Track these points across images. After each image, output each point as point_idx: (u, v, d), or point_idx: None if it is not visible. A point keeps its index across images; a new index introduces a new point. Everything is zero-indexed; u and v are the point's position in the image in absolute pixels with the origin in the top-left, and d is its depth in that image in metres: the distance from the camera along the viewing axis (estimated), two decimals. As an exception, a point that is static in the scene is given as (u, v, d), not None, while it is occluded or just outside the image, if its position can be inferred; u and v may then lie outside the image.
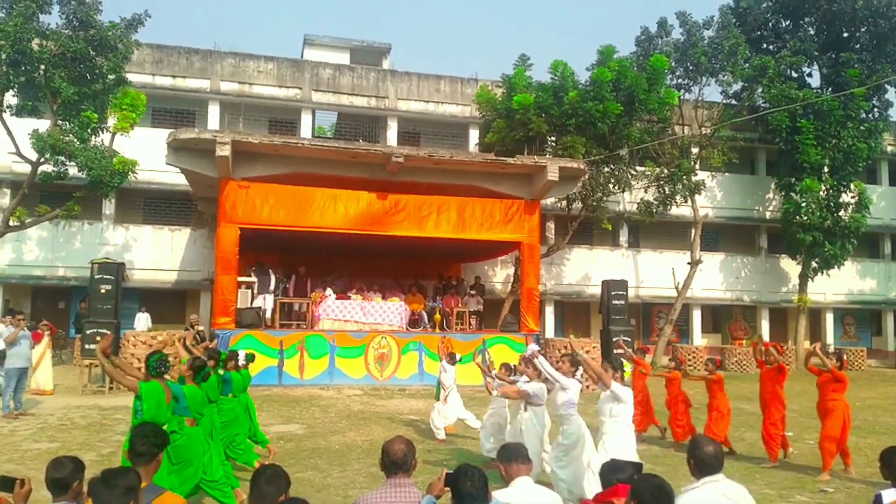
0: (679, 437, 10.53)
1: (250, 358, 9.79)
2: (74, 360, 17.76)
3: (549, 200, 21.80)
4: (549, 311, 25.12)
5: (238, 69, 23.74)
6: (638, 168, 23.20)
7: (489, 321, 21.21)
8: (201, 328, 17.09)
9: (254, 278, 17.99)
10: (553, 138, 21.35)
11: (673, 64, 23.55)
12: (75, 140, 16.63)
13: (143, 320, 19.69)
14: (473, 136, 25.31)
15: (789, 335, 27.21)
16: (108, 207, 21.90)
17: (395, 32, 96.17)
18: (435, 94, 25.38)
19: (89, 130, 16.88)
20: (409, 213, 17.24)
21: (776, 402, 9.53)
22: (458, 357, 11.98)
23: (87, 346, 15.29)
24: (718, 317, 28.45)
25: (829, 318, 28.31)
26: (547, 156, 19.66)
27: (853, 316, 29.73)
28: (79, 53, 16.32)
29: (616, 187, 22.50)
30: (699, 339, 26.61)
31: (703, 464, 3.76)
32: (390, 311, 17.93)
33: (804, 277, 25.75)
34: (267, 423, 11.44)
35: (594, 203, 22.35)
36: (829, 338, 27.84)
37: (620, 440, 6.76)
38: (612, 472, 3.90)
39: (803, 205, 24.19)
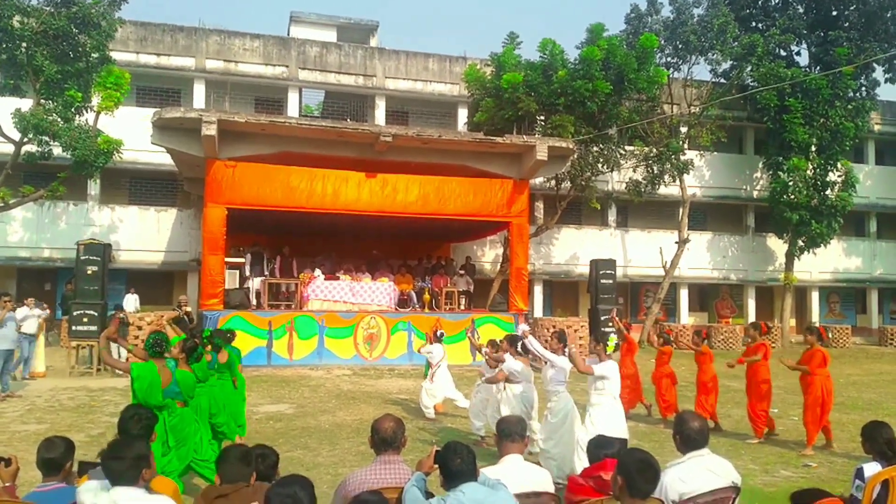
0: (665, 413, 10.66)
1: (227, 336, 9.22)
2: (61, 342, 17.68)
3: (538, 180, 21.79)
4: (538, 291, 25.21)
5: (223, 47, 23.45)
6: (627, 147, 23.19)
7: (478, 301, 21.25)
8: (189, 309, 17.03)
9: (244, 260, 17.97)
10: (542, 117, 21.28)
11: (662, 42, 23.49)
12: (59, 119, 16.40)
13: (131, 301, 19.61)
14: (462, 115, 25.19)
15: (775, 313, 27.47)
16: (94, 188, 21.69)
17: (382, 10, 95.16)
18: (423, 73, 25.21)
19: (73, 110, 16.65)
20: (398, 192, 17.18)
21: (758, 379, 9.65)
22: (440, 334, 11.83)
23: (73, 328, 15.22)
24: (705, 295, 28.67)
25: (815, 297, 28.58)
26: (536, 135, 19.61)
27: (838, 294, 30.03)
28: (61, 31, 16.04)
29: (605, 167, 22.50)
30: (686, 317, 26.82)
31: (689, 439, 3.81)
32: (379, 291, 17.94)
33: (790, 256, 25.95)
34: (256, 403, 11.47)
35: (583, 182, 22.36)
36: (815, 315, 28.16)
37: (606, 413, 6.86)
38: (599, 447, 3.96)
39: (790, 184, 24.31)
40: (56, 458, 3.62)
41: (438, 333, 11.84)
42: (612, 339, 7.31)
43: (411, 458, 3.88)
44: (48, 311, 15.00)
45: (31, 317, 13.83)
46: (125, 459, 3.07)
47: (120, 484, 3.01)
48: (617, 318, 12.62)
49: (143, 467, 3.10)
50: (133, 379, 5.69)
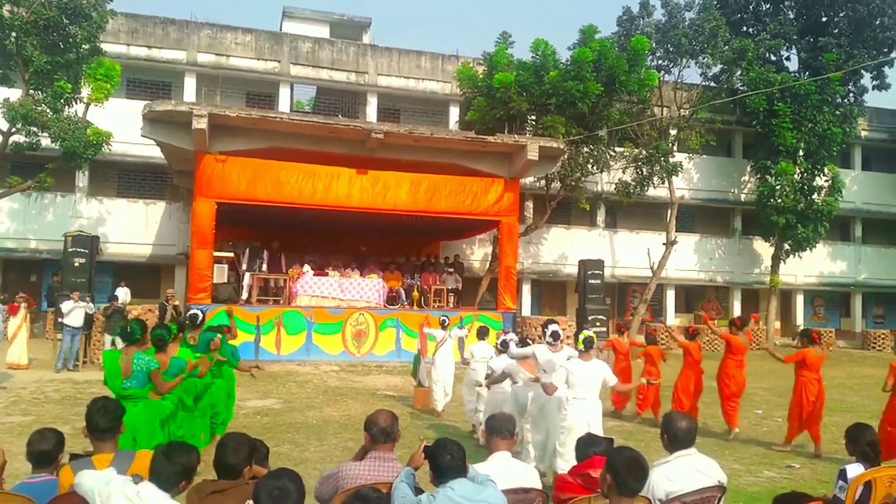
0: (640, 409, 10.86)
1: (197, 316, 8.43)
2: (47, 334, 17.58)
3: (528, 179, 21.84)
4: (527, 290, 25.29)
5: (215, 41, 23.34)
6: (616, 149, 23.29)
7: (467, 299, 21.31)
8: (177, 303, 16.98)
9: (242, 254, 18.00)
10: (533, 117, 21.34)
11: (653, 45, 23.59)
12: (48, 110, 16.28)
13: (122, 294, 19.57)
14: (454, 113, 25.21)
15: (760, 316, 27.68)
16: (82, 180, 21.55)
17: (375, 7, 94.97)
18: (415, 71, 25.20)
19: (62, 101, 16.53)
20: (388, 189, 17.18)
21: (725, 376, 9.82)
22: (445, 320, 11.72)
23: (59, 320, 15.15)
24: (692, 297, 28.86)
25: (800, 300, 28.85)
26: (527, 135, 19.67)
27: (823, 298, 30.32)
28: (51, 21, 15.93)
29: (595, 167, 22.60)
30: (672, 318, 26.99)
31: (676, 438, 3.86)
32: (368, 287, 17.94)
33: (776, 259, 26.17)
34: (244, 398, 11.44)
35: (573, 183, 22.44)
36: (800, 318, 28.42)
37: (580, 408, 6.66)
38: (588, 445, 4.00)
39: (778, 187, 24.52)
40: (49, 449, 3.61)
41: (442, 320, 11.77)
42: (585, 335, 6.98)
43: (401, 454, 3.91)
44: (90, 303, 15.11)
45: (77, 308, 14.29)
46: (176, 465, 3.08)
47: (158, 485, 3.00)
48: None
49: (185, 479, 3.11)
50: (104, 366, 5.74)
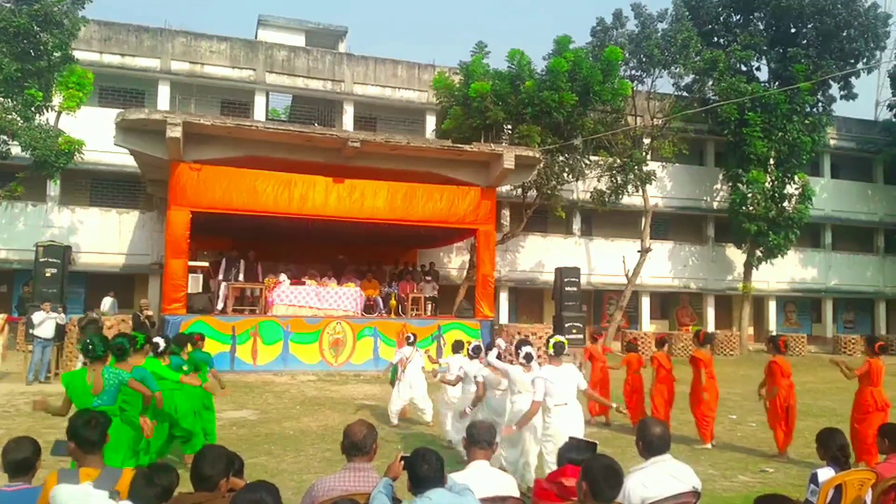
0: (633, 421, 10.91)
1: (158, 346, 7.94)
2: (17, 346, 17.25)
3: (505, 188, 21.95)
4: (504, 298, 25.37)
5: (189, 48, 23.18)
6: (591, 157, 23.51)
7: (444, 307, 21.32)
8: (150, 313, 16.78)
9: (219, 264, 17.87)
10: (509, 127, 21.47)
11: (627, 55, 23.89)
12: (18, 119, 16.06)
13: (108, 304, 19.38)
14: (430, 122, 25.27)
15: (734, 322, 28.04)
16: (53, 189, 21.22)
17: (351, 16, 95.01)
18: (392, 79, 25.24)
19: (33, 109, 16.33)
20: (365, 198, 17.16)
21: (697, 387, 9.83)
22: (411, 337, 11.44)
23: (30, 332, 14.88)
24: (666, 303, 29.16)
25: (772, 306, 29.27)
26: (503, 144, 19.78)
27: (794, 304, 30.81)
28: (21, 28, 15.74)
29: (570, 176, 22.80)
30: (648, 325, 27.23)
31: (651, 445, 3.90)
32: (345, 296, 17.88)
33: (749, 266, 26.54)
34: (219, 408, 11.27)
35: (549, 191, 22.60)
36: (772, 324, 28.82)
37: (562, 415, 6.70)
38: (568, 450, 4.04)
39: (749, 195, 24.91)
40: (27, 458, 3.56)
41: (408, 336, 11.68)
42: (556, 340, 7.04)
43: (378, 463, 3.91)
44: (62, 314, 14.83)
45: (48, 319, 14.12)
46: (156, 487, 3.08)
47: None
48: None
49: (164, 500, 3.12)
50: (65, 387, 5.54)
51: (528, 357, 7.28)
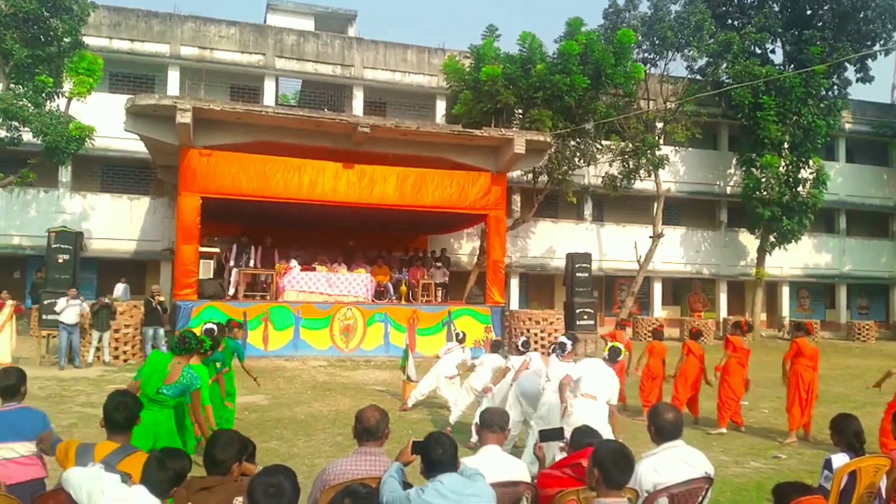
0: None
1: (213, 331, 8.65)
2: (31, 331, 17.40)
3: (516, 173, 21.84)
4: (514, 284, 25.32)
5: (199, 33, 23.13)
6: (603, 142, 23.33)
7: (455, 293, 21.30)
8: (162, 298, 16.84)
9: (231, 250, 17.93)
10: (520, 111, 21.32)
11: (639, 38, 23.61)
12: (29, 105, 16.10)
13: (120, 290, 19.55)
14: (441, 107, 25.14)
15: (747, 308, 27.87)
16: (65, 175, 21.31)
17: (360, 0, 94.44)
18: (402, 64, 25.10)
19: (44, 95, 16.37)
20: (375, 184, 17.11)
21: (726, 372, 10.01)
22: (461, 334, 11.27)
23: (44, 317, 15.00)
24: (678, 289, 29.00)
25: (786, 292, 29.06)
26: (514, 128, 19.66)
27: (808, 289, 30.56)
28: (31, 14, 15.74)
29: (581, 161, 22.63)
30: (659, 311, 27.12)
31: (663, 430, 3.87)
32: (356, 282, 17.89)
33: (762, 251, 26.33)
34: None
35: (560, 176, 22.46)
36: (785, 310, 28.64)
37: (587, 406, 6.70)
38: (583, 436, 4.02)
39: (763, 180, 24.65)
40: (13, 384, 4.23)
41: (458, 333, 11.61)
42: (614, 345, 7.92)
43: (389, 448, 3.89)
44: (83, 302, 14.94)
45: (71, 306, 14.24)
46: (168, 471, 3.10)
47: (150, 490, 2.99)
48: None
49: (176, 485, 3.12)
50: (147, 362, 5.67)
51: (562, 346, 7.30)
